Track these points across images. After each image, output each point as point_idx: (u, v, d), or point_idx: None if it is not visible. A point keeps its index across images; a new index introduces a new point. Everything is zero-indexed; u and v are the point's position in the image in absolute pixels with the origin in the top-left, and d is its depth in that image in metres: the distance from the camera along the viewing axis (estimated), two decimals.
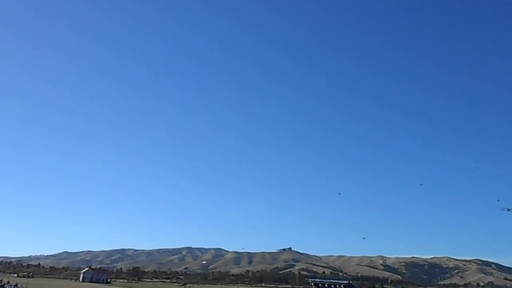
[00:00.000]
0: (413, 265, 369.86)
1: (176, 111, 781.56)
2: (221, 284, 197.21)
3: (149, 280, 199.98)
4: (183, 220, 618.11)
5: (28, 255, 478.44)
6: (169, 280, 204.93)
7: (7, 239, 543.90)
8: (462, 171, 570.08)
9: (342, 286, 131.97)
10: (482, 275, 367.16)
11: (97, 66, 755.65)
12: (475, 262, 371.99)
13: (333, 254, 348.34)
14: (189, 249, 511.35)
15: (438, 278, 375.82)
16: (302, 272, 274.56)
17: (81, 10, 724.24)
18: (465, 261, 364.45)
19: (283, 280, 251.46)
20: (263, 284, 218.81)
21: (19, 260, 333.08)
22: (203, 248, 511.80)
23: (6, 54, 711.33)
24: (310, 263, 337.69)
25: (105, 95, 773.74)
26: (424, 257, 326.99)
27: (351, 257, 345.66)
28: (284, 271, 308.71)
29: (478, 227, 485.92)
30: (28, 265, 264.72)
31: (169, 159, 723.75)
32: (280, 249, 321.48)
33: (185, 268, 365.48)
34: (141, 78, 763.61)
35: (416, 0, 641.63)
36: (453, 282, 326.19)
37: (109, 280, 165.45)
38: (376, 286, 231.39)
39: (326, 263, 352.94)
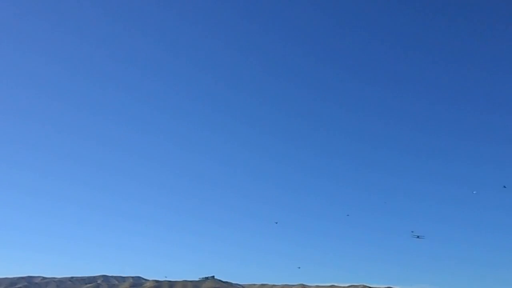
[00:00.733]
0: None
1: None
2: None
3: None
4: (99, 245, 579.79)
5: None
6: None
7: None
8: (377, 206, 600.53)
9: None
10: None
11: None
12: None
13: (256, 283, 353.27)
14: (105, 277, 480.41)
15: None
16: None
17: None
18: None
19: None
20: None
21: None
22: (121, 277, 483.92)
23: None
24: None
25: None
26: (343, 284, 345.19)
27: (273, 285, 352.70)
28: None
29: (391, 256, 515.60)
30: None
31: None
32: (202, 278, 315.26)
33: None
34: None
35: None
36: None
37: None
38: None
39: None
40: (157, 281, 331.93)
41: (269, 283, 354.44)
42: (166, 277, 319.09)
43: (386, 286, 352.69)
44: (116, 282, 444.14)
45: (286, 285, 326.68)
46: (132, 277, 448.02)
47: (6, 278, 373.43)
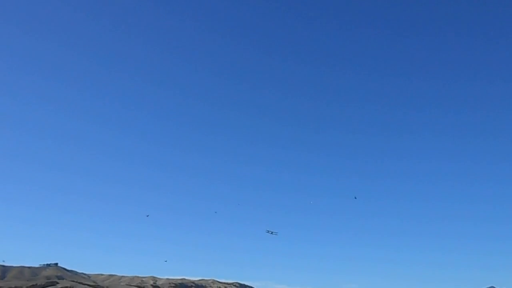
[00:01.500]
0: (182, 286, 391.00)
1: None
2: None
3: None
4: None
5: None
6: None
7: None
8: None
9: None
10: None
11: None
12: (234, 285, 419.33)
13: (104, 273, 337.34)
14: None
15: None
16: None
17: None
18: (227, 283, 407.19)
19: None
20: None
21: None
22: None
23: None
24: (76, 281, 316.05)
25: None
26: (193, 278, 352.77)
27: (122, 276, 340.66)
28: None
29: (241, 252, 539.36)
30: None
31: None
32: (44, 264, 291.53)
33: None
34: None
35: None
36: None
37: None
38: None
39: (95, 282, 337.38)
40: None
41: (118, 274, 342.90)
42: (4, 261, 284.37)
43: (234, 281, 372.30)
44: None
45: (136, 276, 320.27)
46: None
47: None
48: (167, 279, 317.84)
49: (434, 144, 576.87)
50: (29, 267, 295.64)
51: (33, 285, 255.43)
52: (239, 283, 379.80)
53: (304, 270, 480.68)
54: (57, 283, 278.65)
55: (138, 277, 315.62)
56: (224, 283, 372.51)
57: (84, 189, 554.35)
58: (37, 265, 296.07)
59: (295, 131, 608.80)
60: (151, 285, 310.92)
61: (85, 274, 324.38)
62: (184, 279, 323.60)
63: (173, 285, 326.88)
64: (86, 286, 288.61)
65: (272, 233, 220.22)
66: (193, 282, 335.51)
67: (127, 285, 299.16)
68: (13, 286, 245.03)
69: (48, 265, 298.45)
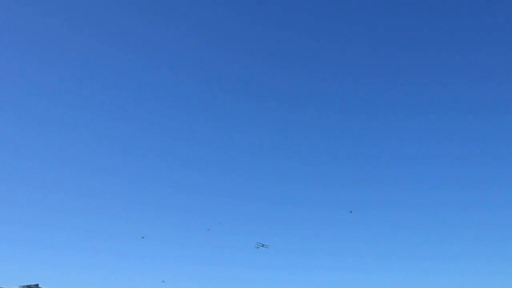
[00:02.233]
0: None
1: None
2: None
3: None
4: None
5: None
6: None
7: None
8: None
9: None
10: None
11: None
12: None
13: None
14: None
15: None
16: None
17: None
18: None
19: None
20: None
21: None
22: None
23: None
24: None
25: None
26: None
27: None
28: None
29: (233, 267, 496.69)
30: None
31: None
32: (24, 286, 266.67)
33: None
34: None
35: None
36: None
37: None
38: None
39: None
40: None
41: None
42: None
43: None
44: None
45: None
46: None
47: None
48: None
49: (432, 150, 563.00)
50: None
51: None
52: None
53: (297, 283, 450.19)
54: None
55: None
56: None
57: (68, 205, 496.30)
58: (16, 287, 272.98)
59: (286, 140, 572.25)
60: None
61: None
62: None
63: None
64: None
65: (263, 246, 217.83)
66: None
67: None
68: None
69: (29, 286, 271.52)
